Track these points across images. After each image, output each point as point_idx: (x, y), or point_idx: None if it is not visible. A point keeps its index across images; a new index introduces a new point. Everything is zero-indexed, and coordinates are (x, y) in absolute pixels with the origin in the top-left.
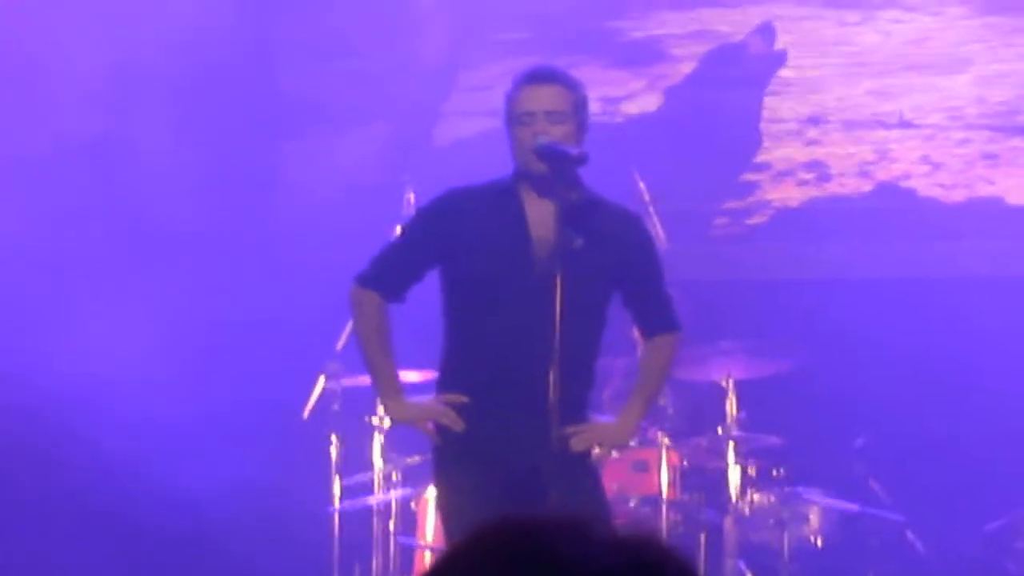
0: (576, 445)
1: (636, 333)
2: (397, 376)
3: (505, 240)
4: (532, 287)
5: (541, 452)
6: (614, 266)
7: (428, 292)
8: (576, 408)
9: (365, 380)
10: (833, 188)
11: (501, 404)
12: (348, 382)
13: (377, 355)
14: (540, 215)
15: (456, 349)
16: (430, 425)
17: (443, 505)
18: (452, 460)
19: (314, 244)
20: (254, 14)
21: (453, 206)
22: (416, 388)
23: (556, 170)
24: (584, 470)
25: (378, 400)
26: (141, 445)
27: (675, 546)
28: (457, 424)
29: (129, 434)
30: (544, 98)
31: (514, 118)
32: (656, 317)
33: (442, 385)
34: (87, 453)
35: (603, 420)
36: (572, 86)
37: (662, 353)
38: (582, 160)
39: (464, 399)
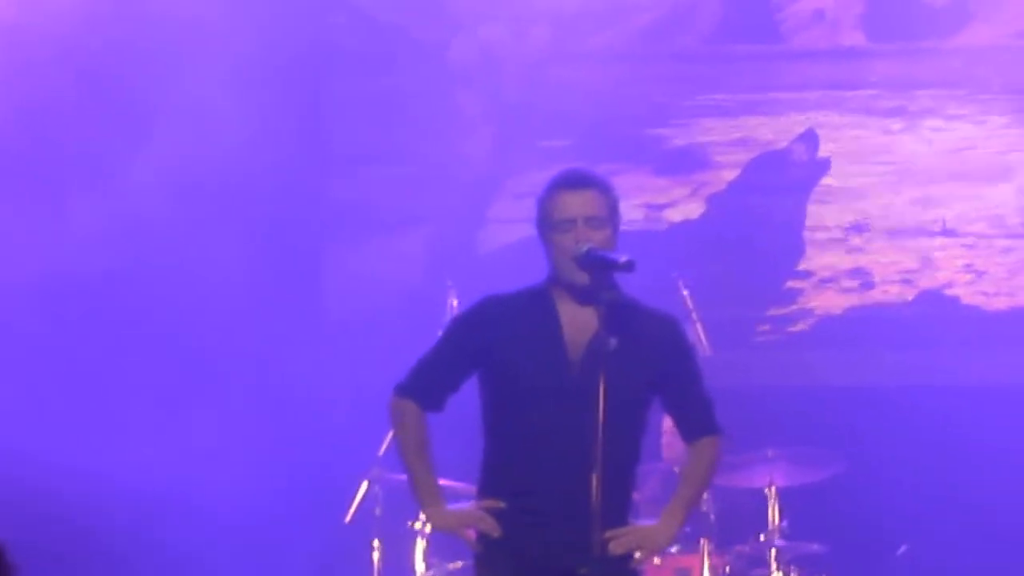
0: (616, 549)
1: (664, 441)
2: (437, 484)
3: (541, 345)
4: (569, 391)
5: (581, 557)
6: (652, 369)
7: (468, 399)
8: (617, 512)
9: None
10: (876, 296)
11: (540, 509)
12: (391, 481)
13: (417, 464)
14: (576, 320)
15: (495, 455)
16: (470, 532)
17: None
18: (491, 566)
19: (358, 348)
20: (302, 120)
21: (488, 313)
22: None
23: (599, 277)
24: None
25: (419, 509)
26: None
27: None
28: (495, 530)
29: (181, 539)
30: (583, 204)
31: (552, 224)
32: (696, 421)
33: (482, 491)
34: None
35: (644, 524)
36: (607, 189)
37: (703, 457)
38: (630, 267)
39: (502, 505)
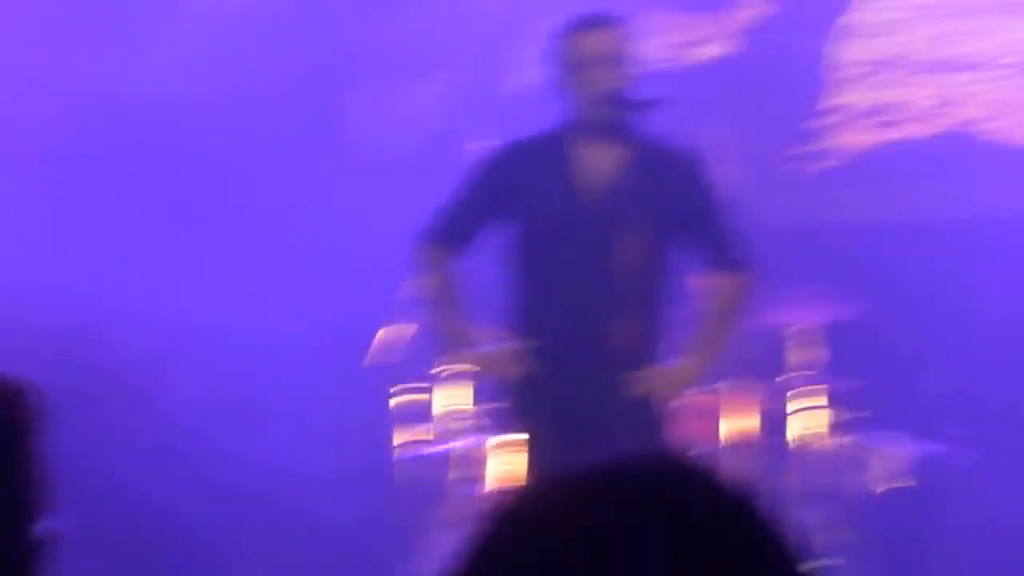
0: (636, 391)
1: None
2: (468, 327)
3: (563, 189)
4: (592, 234)
5: (607, 401)
6: (674, 208)
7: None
8: (643, 354)
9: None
10: (901, 132)
11: (568, 352)
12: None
13: (448, 309)
14: (598, 160)
15: (520, 300)
16: (502, 369)
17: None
18: (525, 408)
19: (379, 195)
20: None
21: (509, 159)
22: None
23: (623, 117)
24: (650, 417)
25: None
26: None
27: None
28: (529, 368)
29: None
30: (606, 43)
31: (575, 64)
32: (721, 255)
33: (512, 334)
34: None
35: (668, 365)
36: (627, 29)
37: (728, 293)
38: (654, 106)
39: (532, 344)
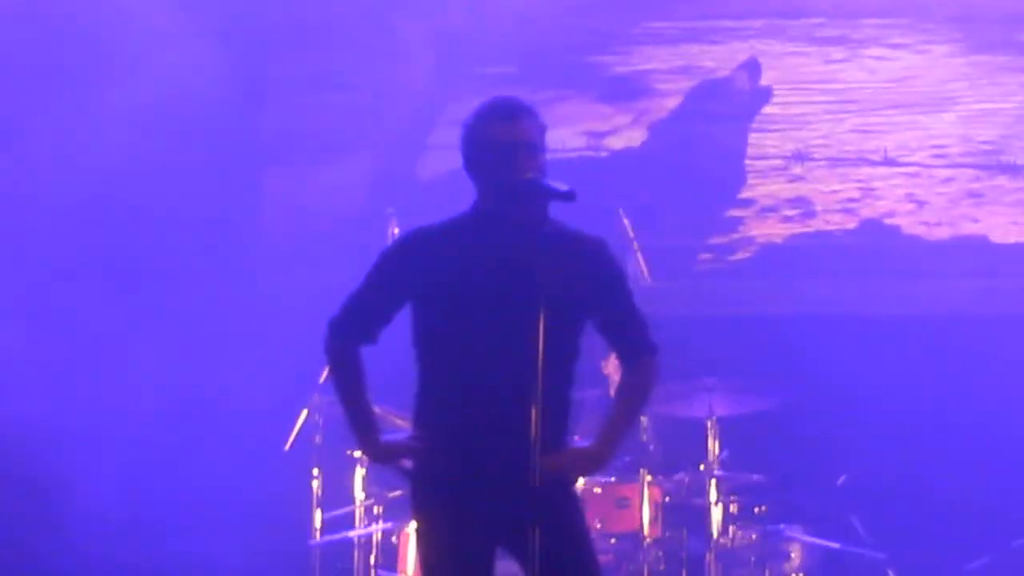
0: (549, 467)
1: (608, 366)
2: (374, 418)
3: (473, 276)
4: (502, 320)
5: (520, 484)
6: (584, 292)
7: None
8: (553, 438)
9: None
10: (817, 225)
11: (475, 438)
12: (330, 409)
13: (353, 400)
14: (506, 247)
15: (428, 385)
16: (406, 463)
17: (422, 545)
18: (427, 498)
19: (298, 275)
20: (242, 48)
21: (417, 244)
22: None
23: (535, 206)
24: (566, 503)
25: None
26: (125, 471)
27: None
28: (429, 462)
29: (111, 462)
30: (520, 131)
31: (486, 152)
32: (632, 341)
33: (417, 421)
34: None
35: (579, 447)
36: (538, 117)
37: (638, 376)
38: (571, 197)
39: (436, 433)
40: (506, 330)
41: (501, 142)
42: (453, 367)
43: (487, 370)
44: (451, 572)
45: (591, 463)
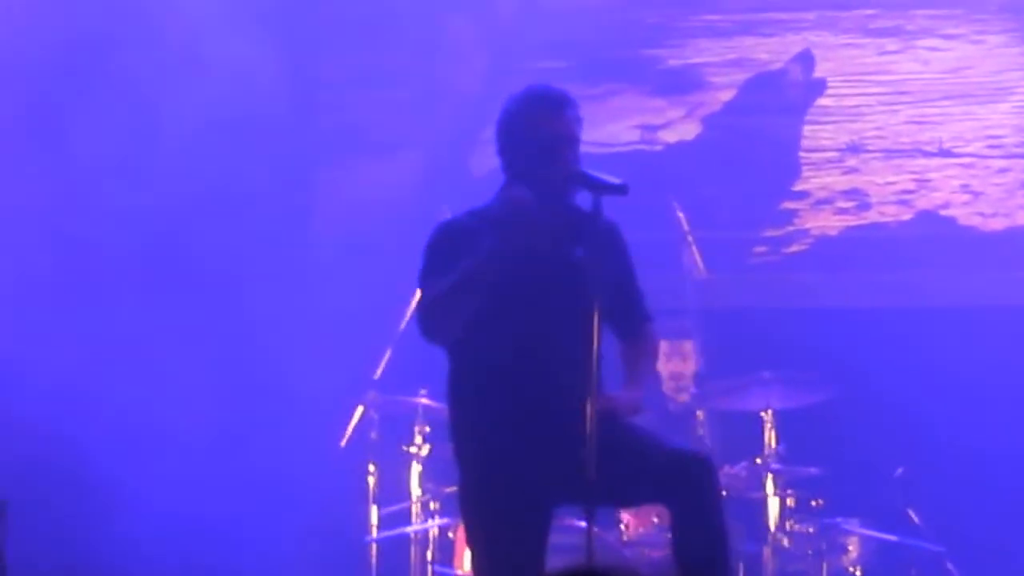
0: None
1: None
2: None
3: (514, 261)
4: (546, 304)
5: (573, 432)
6: (609, 271)
7: None
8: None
9: (403, 407)
10: (872, 217)
11: (523, 425)
12: (386, 405)
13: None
14: (545, 232)
15: (467, 374)
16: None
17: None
18: (481, 489)
19: (352, 272)
20: (293, 46)
21: (460, 227)
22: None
23: (590, 198)
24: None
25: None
26: (181, 471)
27: None
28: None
29: (172, 458)
30: (571, 121)
31: (538, 139)
32: (640, 312)
33: (458, 407)
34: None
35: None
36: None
37: (650, 342)
38: (624, 190)
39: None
40: (549, 315)
41: (553, 129)
42: (497, 352)
43: (532, 356)
44: (509, 540)
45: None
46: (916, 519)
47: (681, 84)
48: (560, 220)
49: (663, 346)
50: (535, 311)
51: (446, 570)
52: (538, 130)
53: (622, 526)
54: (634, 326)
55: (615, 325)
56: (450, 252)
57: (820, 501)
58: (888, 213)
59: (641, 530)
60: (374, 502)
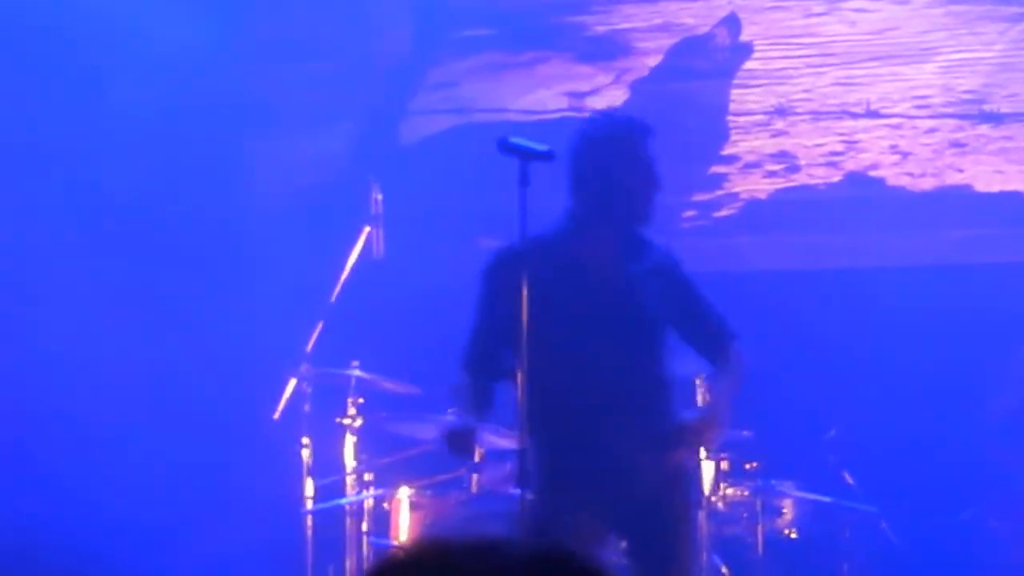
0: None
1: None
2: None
3: (573, 283)
4: (611, 332)
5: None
6: (666, 294)
7: None
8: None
9: (335, 379)
10: (801, 179)
11: (589, 444)
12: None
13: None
14: (598, 254)
15: (533, 393)
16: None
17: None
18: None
19: (283, 244)
20: (217, 19)
21: (512, 258)
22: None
23: (521, 165)
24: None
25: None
26: (113, 443)
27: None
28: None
29: (102, 434)
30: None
31: (634, 168)
32: (724, 332)
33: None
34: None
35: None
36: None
37: (732, 361)
38: (551, 157)
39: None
40: (615, 340)
41: (645, 159)
42: (560, 374)
43: (592, 377)
44: None
45: (715, 429)
46: (851, 480)
47: (608, 50)
48: (617, 247)
49: None
50: (594, 334)
51: (382, 541)
52: (634, 156)
53: None
54: (721, 346)
55: (700, 349)
56: (500, 291)
57: (754, 464)
58: (817, 175)
59: None
60: (309, 474)
